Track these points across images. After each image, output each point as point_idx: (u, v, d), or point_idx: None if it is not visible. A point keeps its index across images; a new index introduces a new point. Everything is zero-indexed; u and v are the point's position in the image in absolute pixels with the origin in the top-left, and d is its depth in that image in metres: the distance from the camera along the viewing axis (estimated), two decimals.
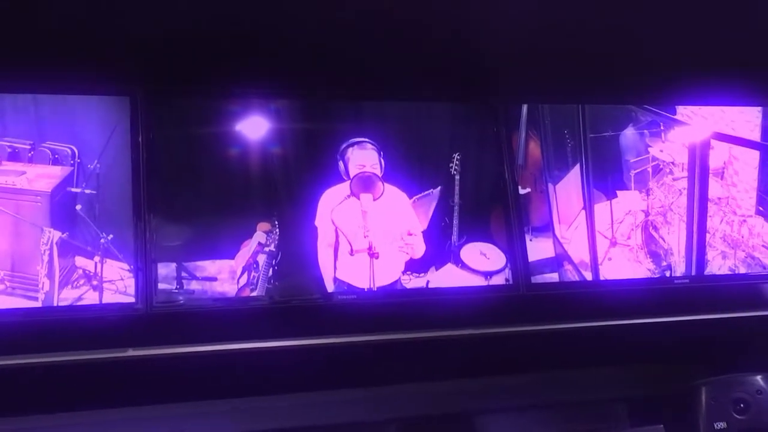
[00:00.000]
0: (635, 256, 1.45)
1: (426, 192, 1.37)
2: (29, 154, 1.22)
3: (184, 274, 1.24)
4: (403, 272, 1.33)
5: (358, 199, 1.34)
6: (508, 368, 1.42)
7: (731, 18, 1.39)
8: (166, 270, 1.23)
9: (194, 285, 1.24)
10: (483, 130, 1.43)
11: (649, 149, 1.49)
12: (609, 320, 1.37)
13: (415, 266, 1.34)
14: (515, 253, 1.38)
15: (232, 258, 1.26)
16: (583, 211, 1.44)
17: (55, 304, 1.18)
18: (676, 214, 1.48)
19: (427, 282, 1.34)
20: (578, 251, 1.42)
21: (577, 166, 1.45)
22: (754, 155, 1.55)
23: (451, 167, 1.39)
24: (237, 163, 1.30)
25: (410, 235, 1.35)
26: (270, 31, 1.29)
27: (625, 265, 1.44)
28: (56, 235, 1.20)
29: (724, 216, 1.51)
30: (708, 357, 1.49)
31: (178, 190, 1.27)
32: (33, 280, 1.18)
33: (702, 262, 1.48)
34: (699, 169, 1.51)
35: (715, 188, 1.51)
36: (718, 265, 1.49)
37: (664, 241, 1.47)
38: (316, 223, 1.31)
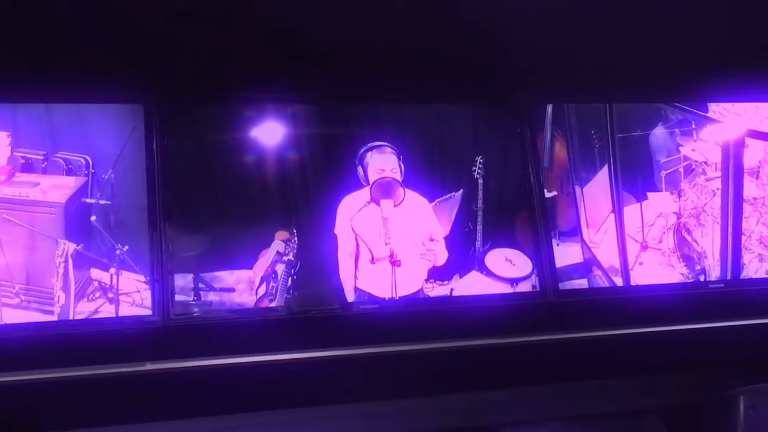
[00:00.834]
0: (667, 260, 1.43)
1: (447, 196, 1.36)
2: (42, 165, 1.23)
3: (201, 285, 1.24)
4: (426, 280, 1.33)
5: (378, 205, 1.33)
6: (537, 378, 1.41)
7: (765, 8, 1.37)
8: (182, 281, 1.23)
9: (212, 296, 1.24)
10: (506, 132, 1.42)
11: (681, 149, 1.47)
12: (641, 327, 1.35)
13: (438, 274, 1.33)
14: (542, 259, 1.37)
15: (250, 268, 1.26)
16: (612, 214, 1.42)
17: (70, 318, 1.19)
18: (709, 216, 1.46)
19: (451, 290, 1.33)
20: (608, 256, 1.40)
21: (605, 168, 1.43)
22: None
23: (474, 171, 1.38)
24: (254, 170, 1.30)
25: (432, 241, 1.34)
26: (284, 34, 1.28)
27: (656, 269, 1.42)
28: (71, 247, 1.20)
29: (760, 217, 1.48)
30: (745, 364, 1.46)
31: (194, 199, 1.27)
32: (48, 294, 1.19)
33: (738, 265, 1.46)
34: (733, 169, 1.49)
35: (750, 188, 1.49)
36: (754, 268, 1.46)
37: (697, 244, 1.45)
38: (336, 230, 1.30)
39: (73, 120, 1.24)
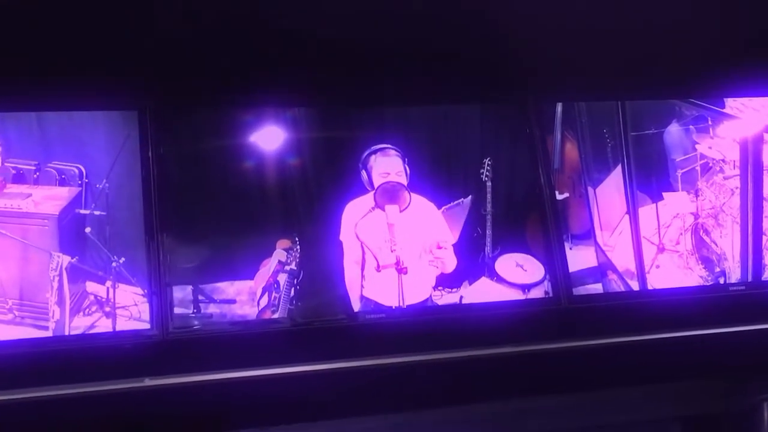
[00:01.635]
0: (685, 262, 1.42)
1: (456, 202, 1.35)
2: (34, 176, 1.22)
3: (200, 297, 1.23)
4: (434, 288, 1.31)
5: (384, 210, 1.31)
6: (551, 388, 1.39)
7: None
8: (181, 293, 1.22)
9: (212, 308, 1.23)
10: (515, 132, 1.40)
11: (697, 146, 1.46)
12: (658, 333, 1.34)
13: (446, 281, 1.32)
14: (554, 264, 1.35)
15: (252, 278, 1.25)
16: (627, 216, 1.41)
17: (66, 333, 1.18)
18: (728, 216, 1.45)
19: (461, 297, 1.32)
20: (623, 259, 1.39)
21: (619, 167, 1.42)
22: None
23: (482, 173, 1.37)
24: (253, 177, 1.28)
25: (440, 248, 1.33)
26: (283, 35, 1.28)
27: (674, 272, 1.41)
28: (65, 259, 1.20)
29: None
30: None
31: (192, 207, 1.26)
32: (42, 309, 1.18)
33: (759, 267, 1.44)
34: (752, 166, 1.47)
35: None
36: None
37: (716, 245, 1.43)
38: (341, 238, 1.29)
39: (65, 128, 1.23)
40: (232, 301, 1.24)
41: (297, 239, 1.28)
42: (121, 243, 1.22)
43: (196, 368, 1.18)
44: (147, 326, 1.20)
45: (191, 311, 1.22)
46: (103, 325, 1.20)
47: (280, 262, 1.26)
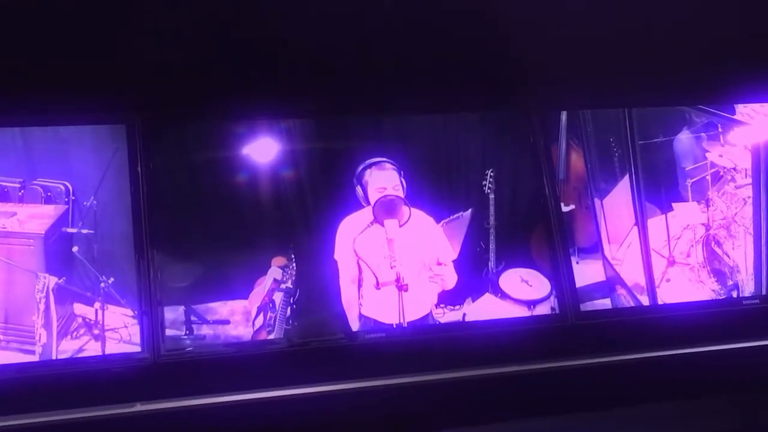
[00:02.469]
0: (697, 275, 1.41)
1: (455, 216, 1.34)
2: (19, 193, 1.21)
3: (193, 317, 1.22)
4: (436, 305, 1.31)
5: (383, 225, 1.31)
6: (558, 408, 1.38)
7: None
8: (173, 314, 1.21)
9: (205, 329, 1.22)
10: (518, 142, 1.40)
11: (707, 154, 1.46)
12: (670, 350, 1.34)
13: (448, 298, 1.31)
14: (561, 279, 1.35)
15: (246, 298, 1.24)
16: (636, 228, 1.41)
17: (53, 358, 1.17)
18: (741, 227, 1.45)
19: (463, 315, 1.31)
20: (632, 273, 1.39)
21: (626, 178, 1.42)
22: None
23: (485, 185, 1.36)
24: (246, 191, 1.28)
25: (440, 264, 1.32)
26: (275, 44, 1.28)
27: (685, 286, 1.40)
28: (52, 280, 1.19)
29: None
30: None
31: (183, 224, 1.25)
32: (29, 332, 1.17)
33: None
34: (765, 175, 1.47)
35: None
36: None
37: (728, 257, 1.43)
38: (335, 257, 1.28)
39: (51, 144, 1.23)
40: (226, 322, 1.23)
41: (293, 256, 1.27)
42: (110, 262, 1.21)
43: (189, 392, 1.18)
44: (138, 349, 1.20)
45: (183, 333, 1.22)
46: (92, 349, 1.19)
47: (275, 280, 1.26)
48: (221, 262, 1.25)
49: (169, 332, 1.21)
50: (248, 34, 1.24)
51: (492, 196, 1.36)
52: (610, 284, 1.38)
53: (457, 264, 1.33)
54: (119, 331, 1.20)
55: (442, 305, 1.31)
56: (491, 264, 1.34)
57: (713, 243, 1.43)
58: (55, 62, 1.20)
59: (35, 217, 1.21)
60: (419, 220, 1.33)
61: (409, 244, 1.31)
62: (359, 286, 1.29)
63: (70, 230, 1.22)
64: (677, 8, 1.35)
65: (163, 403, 1.16)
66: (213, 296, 1.24)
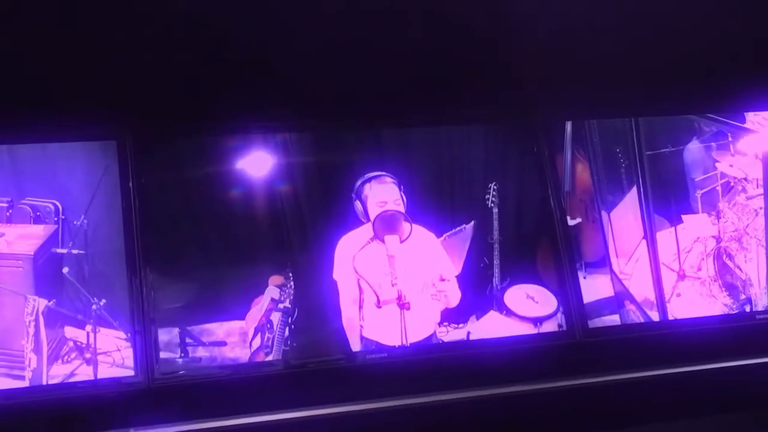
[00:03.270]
0: (708, 290, 1.41)
1: (457, 229, 1.34)
2: (7, 213, 1.21)
3: (188, 339, 1.22)
4: (440, 324, 1.30)
5: (383, 242, 1.30)
6: (567, 428, 1.38)
7: None
8: (167, 336, 1.21)
9: (201, 352, 1.22)
10: (522, 154, 1.40)
11: (717, 165, 1.46)
12: (681, 366, 1.34)
13: (452, 316, 1.31)
14: (568, 295, 1.35)
15: (242, 318, 1.24)
16: (644, 241, 1.41)
17: (44, 383, 1.17)
18: (753, 239, 1.44)
19: (468, 333, 1.31)
20: (641, 288, 1.39)
21: (634, 189, 1.42)
22: None
23: (488, 199, 1.36)
24: (241, 208, 1.27)
25: (443, 280, 1.31)
26: (270, 55, 1.27)
27: (696, 301, 1.40)
28: (42, 303, 1.18)
29: None
30: None
31: (176, 243, 1.25)
32: (18, 357, 1.17)
33: None
34: None
35: None
36: None
37: (740, 270, 1.43)
38: (334, 276, 1.28)
39: (40, 162, 1.22)
40: (223, 344, 1.23)
41: (290, 274, 1.27)
42: (102, 283, 1.21)
43: (185, 417, 1.17)
44: (131, 373, 1.19)
45: (178, 355, 1.21)
46: (84, 373, 1.18)
47: (272, 299, 1.25)
48: (216, 282, 1.25)
49: (163, 355, 1.20)
50: (241, 48, 1.23)
51: (495, 210, 1.36)
52: (619, 300, 1.37)
53: (461, 281, 1.32)
54: (112, 355, 1.20)
55: (445, 323, 1.31)
56: (496, 280, 1.34)
57: (725, 256, 1.43)
58: (43, 78, 1.20)
59: (24, 238, 1.20)
60: (421, 235, 1.32)
61: (411, 260, 1.31)
62: (360, 307, 1.28)
63: (60, 250, 1.21)
64: (684, 15, 1.35)
65: (158, 428, 1.16)
66: (208, 317, 1.23)
